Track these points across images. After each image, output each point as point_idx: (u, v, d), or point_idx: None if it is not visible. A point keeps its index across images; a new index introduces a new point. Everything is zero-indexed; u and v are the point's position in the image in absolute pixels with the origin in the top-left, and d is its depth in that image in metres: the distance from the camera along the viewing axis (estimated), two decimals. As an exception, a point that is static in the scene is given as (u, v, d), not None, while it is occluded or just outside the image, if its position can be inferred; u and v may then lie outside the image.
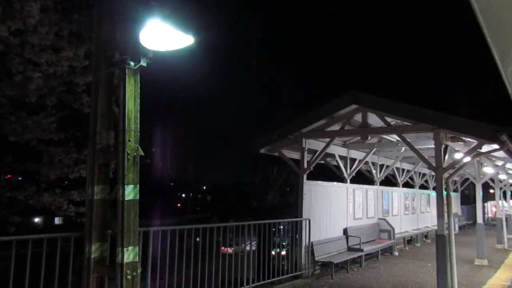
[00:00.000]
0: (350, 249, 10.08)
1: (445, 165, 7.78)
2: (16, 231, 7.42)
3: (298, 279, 8.37)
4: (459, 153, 9.59)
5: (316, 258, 8.79)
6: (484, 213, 16.73)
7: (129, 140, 3.56)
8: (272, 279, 7.67)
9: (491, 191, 21.83)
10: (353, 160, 11.91)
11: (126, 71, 3.59)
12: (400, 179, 15.22)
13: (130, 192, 3.54)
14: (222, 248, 7.71)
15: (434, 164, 7.78)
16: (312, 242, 8.85)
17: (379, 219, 12.68)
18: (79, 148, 7.58)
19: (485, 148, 8.10)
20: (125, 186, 3.50)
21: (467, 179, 20.02)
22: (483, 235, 11.11)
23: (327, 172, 12.96)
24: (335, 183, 10.92)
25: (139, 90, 3.70)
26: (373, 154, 12.12)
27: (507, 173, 15.55)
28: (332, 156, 11.15)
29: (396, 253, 12.08)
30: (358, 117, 8.99)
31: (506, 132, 6.79)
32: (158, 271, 5.50)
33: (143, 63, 3.61)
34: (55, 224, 31.72)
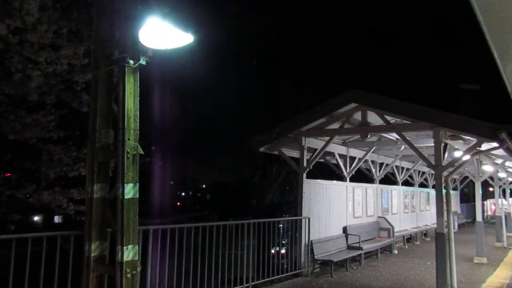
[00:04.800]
0: (349, 247, 10.09)
1: (444, 163, 7.79)
2: (16, 229, 7.44)
3: (297, 278, 8.38)
4: (458, 152, 9.59)
5: (316, 257, 8.80)
6: (483, 211, 16.75)
7: (128, 139, 3.55)
8: (272, 278, 7.67)
9: (491, 189, 21.88)
10: (352, 159, 11.91)
11: (126, 70, 3.58)
12: (400, 178, 15.23)
13: (130, 191, 3.53)
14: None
15: (433, 163, 7.79)
16: (311, 241, 8.86)
17: (379, 217, 12.70)
18: (78, 146, 7.58)
19: (485, 146, 8.11)
20: (125, 184, 3.49)
21: (467, 177, 20.07)
22: (482, 233, 11.13)
23: (327, 170, 12.97)
24: (334, 181, 10.92)
25: (138, 88, 3.69)
26: (372, 152, 12.12)
27: (507, 171, 15.57)
28: (332, 154, 11.15)
29: (396, 251, 12.10)
30: (357, 116, 8.99)
31: (505, 130, 6.81)
32: (158, 270, 5.50)
33: (142, 61, 3.60)
34: (55, 223, 31.69)
